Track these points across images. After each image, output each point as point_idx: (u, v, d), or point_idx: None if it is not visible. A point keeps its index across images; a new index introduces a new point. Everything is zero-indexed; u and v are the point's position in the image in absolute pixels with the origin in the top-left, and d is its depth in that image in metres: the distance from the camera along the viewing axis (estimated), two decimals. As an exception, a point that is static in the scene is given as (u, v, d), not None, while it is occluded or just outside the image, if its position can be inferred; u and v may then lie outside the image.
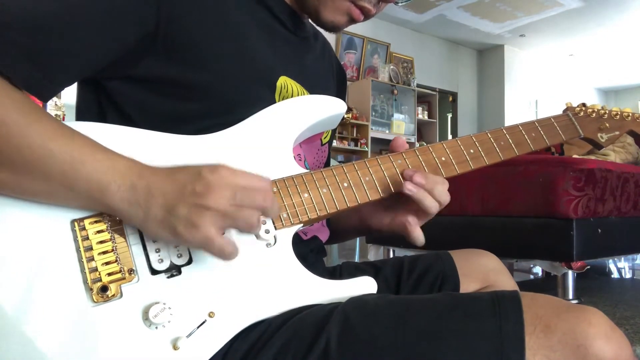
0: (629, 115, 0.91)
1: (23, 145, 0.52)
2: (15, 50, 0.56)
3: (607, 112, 0.89)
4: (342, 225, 0.88)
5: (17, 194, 0.55)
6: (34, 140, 0.53)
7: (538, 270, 3.21)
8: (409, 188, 0.68)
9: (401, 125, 6.84)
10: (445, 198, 0.70)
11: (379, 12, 0.78)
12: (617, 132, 0.89)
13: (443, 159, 0.73)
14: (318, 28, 0.83)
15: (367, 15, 0.76)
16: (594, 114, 0.88)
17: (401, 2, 0.81)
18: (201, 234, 0.52)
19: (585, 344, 0.50)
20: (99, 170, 0.54)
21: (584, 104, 0.89)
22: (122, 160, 0.56)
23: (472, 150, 0.75)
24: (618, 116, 0.90)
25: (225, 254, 0.54)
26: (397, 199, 0.72)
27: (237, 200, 0.53)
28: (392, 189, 0.70)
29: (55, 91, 0.60)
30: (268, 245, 0.62)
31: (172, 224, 0.53)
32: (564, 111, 0.88)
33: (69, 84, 0.63)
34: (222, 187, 0.53)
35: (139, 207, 0.53)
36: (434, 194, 0.69)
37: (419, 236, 0.72)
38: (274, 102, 0.71)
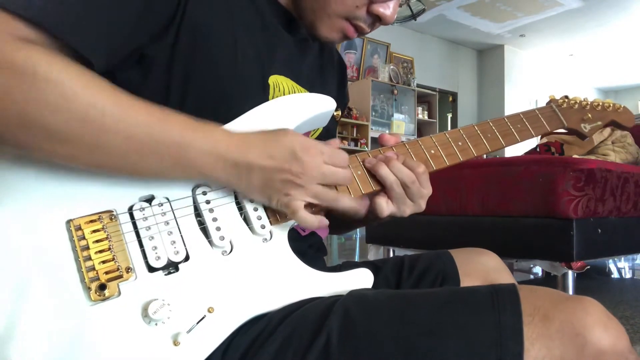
0: (609, 106, 0.93)
1: (127, 135, 0.54)
2: (94, 30, 0.56)
3: (589, 103, 0.92)
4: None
5: (131, 173, 0.58)
6: (135, 131, 0.54)
7: (538, 270, 3.21)
8: (368, 160, 0.70)
9: (401, 125, 6.85)
10: (403, 174, 0.68)
11: (372, 31, 0.79)
12: (599, 123, 0.92)
13: (432, 151, 0.75)
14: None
15: (361, 34, 0.77)
16: (577, 105, 0.90)
17: (397, 22, 0.82)
18: (292, 205, 0.61)
19: (583, 332, 0.51)
20: (204, 151, 0.58)
21: (566, 96, 0.91)
22: (221, 138, 0.60)
23: (460, 143, 0.77)
24: (599, 107, 0.93)
25: (308, 223, 0.62)
26: None
27: (326, 180, 0.63)
28: None
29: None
30: (264, 240, 0.63)
31: (269, 193, 0.61)
32: (548, 103, 0.90)
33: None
34: (314, 168, 0.61)
35: (241, 179, 0.60)
36: (389, 165, 0.69)
37: (380, 203, 0.69)
38: (266, 100, 0.71)
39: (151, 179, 0.60)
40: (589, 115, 0.90)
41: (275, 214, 0.64)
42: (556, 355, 0.50)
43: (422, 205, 0.71)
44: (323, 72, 0.90)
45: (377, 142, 0.75)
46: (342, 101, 0.95)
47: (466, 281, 0.83)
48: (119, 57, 0.62)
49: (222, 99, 0.68)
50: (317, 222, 0.63)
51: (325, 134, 0.89)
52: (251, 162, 0.59)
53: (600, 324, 0.51)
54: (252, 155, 0.59)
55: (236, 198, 0.63)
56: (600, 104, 0.92)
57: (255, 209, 0.63)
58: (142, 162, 0.56)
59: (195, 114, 0.66)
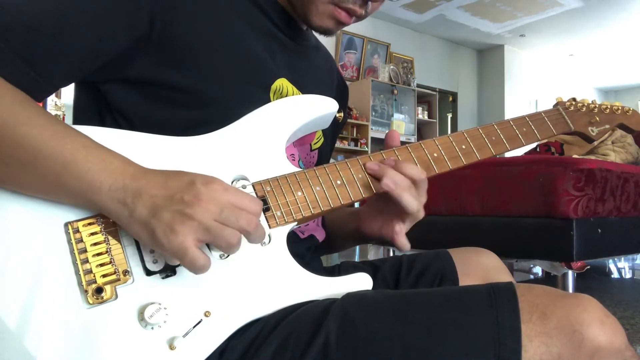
0: (618, 109, 0.92)
1: (15, 145, 0.53)
2: (8, 49, 0.56)
3: (597, 106, 0.90)
4: (341, 231, 0.88)
5: (16, 188, 0.56)
6: (26, 141, 0.53)
7: (538, 270, 3.21)
8: (386, 182, 0.66)
9: (401, 125, 6.84)
10: (398, 179, 0.67)
11: (371, 13, 0.76)
12: (607, 126, 0.90)
13: (435, 155, 0.73)
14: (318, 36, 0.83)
15: (356, 17, 0.74)
16: (584, 108, 0.88)
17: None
18: (178, 241, 0.52)
19: (580, 329, 0.51)
20: (91, 170, 0.54)
21: (574, 99, 0.90)
22: (116, 162, 0.55)
23: (463, 146, 0.75)
24: (608, 110, 0.91)
25: (196, 266, 0.53)
26: (387, 201, 0.70)
27: (222, 217, 0.53)
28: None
29: (49, 91, 0.60)
30: (263, 243, 0.62)
31: (153, 226, 0.52)
32: (555, 106, 0.88)
33: (65, 84, 0.63)
34: (211, 200, 0.53)
35: (126, 206, 0.53)
36: (390, 170, 0.67)
37: (404, 244, 0.71)
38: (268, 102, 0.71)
39: (37, 195, 0.56)
40: (597, 118, 0.88)
41: (274, 217, 0.64)
42: (554, 352, 0.51)
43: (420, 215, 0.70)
44: (323, 83, 0.89)
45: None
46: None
47: (465, 281, 0.82)
48: (81, 73, 0.63)
49: (226, 106, 0.68)
50: (208, 265, 0.54)
51: (331, 137, 0.89)
52: (141, 188, 0.54)
53: (597, 320, 0.52)
54: (144, 181, 0.54)
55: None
56: (609, 106, 0.90)
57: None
58: (24, 176, 0.54)
59: (200, 121, 0.66)
